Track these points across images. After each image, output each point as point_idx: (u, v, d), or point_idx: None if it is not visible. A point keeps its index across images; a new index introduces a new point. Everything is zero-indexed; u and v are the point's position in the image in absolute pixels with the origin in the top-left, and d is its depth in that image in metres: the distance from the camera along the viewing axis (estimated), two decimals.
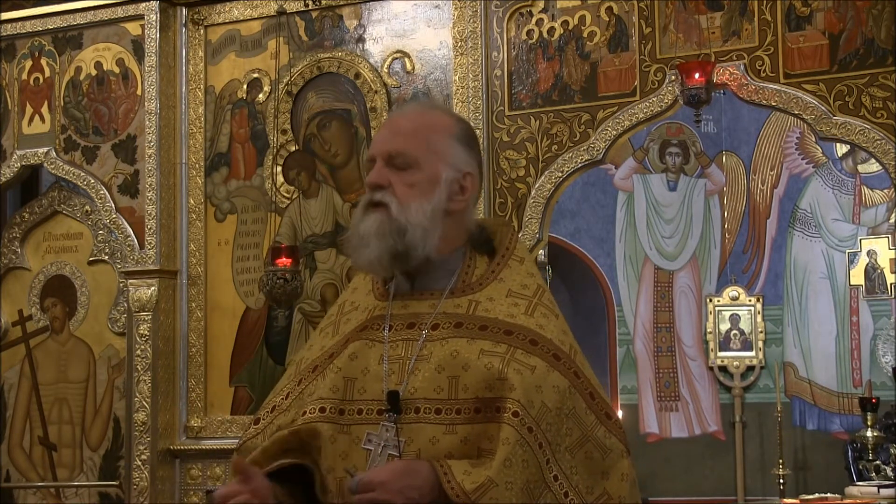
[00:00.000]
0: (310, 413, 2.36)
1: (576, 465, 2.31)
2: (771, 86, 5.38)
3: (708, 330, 10.47)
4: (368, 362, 2.38)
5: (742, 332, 10.40)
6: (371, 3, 6.13)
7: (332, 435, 2.33)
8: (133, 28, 6.43)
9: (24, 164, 6.65)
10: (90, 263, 6.67)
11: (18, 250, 6.81)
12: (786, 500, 8.75)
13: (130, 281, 6.28)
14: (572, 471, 2.30)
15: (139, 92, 6.39)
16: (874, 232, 10.26)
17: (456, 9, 5.90)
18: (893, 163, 5.18)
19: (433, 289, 2.43)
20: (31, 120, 6.65)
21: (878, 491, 7.82)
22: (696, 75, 5.20)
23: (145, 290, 6.24)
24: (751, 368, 10.36)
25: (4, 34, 6.67)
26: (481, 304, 2.40)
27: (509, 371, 2.30)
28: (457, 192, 2.42)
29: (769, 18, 5.41)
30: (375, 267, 2.39)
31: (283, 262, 5.78)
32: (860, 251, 10.23)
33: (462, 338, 2.35)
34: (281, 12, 6.19)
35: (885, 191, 10.11)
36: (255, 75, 6.34)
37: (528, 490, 2.24)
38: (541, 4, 5.82)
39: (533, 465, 2.25)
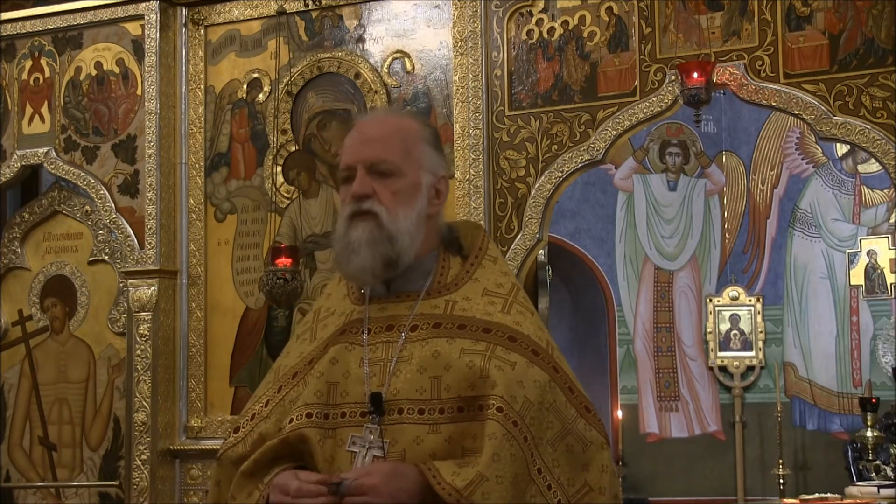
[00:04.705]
0: (297, 419, 2.38)
1: (557, 458, 2.34)
2: (771, 86, 5.37)
3: (708, 330, 10.47)
4: (349, 366, 2.40)
5: (742, 332, 10.40)
6: (371, 3, 6.13)
7: (320, 439, 2.35)
8: (133, 28, 6.43)
9: (24, 164, 6.65)
10: (90, 263, 6.67)
11: (18, 250, 6.81)
12: (786, 500, 8.75)
13: (130, 281, 6.28)
14: (554, 463, 2.33)
15: (139, 92, 6.39)
16: (874, 232, 10.27)
17: (456, 9, 5.90)
18: (893, 163, 5.17)
19: (409, 291, 2.45)
20: (31, 120, 6.65)
21: (878, 491, 7.82)
22: (696, 75, 5.20)
23: (145, 290, 6.24)
24: (751, 368, 10.36)
25: (4, 34, 6.67)
26: (458, 303, 2.43)
27: (491, 368, 2.32)
28: (433, 196, 2.46)
29: (769, 18, 5.41)
30: (367, 274, 2.40)
31: (283, 262, 5.78)
32: (860, 251, 10.23)
33: (442, 338, 2.37)
34: (281, 12, 6.19)
35: (885, 191, 10.11)
36: (255, 75, 6.33)
37: (517, 483, 2.27)
38: (541, 4, 5.81)
39: (520, 459, 2.28)
